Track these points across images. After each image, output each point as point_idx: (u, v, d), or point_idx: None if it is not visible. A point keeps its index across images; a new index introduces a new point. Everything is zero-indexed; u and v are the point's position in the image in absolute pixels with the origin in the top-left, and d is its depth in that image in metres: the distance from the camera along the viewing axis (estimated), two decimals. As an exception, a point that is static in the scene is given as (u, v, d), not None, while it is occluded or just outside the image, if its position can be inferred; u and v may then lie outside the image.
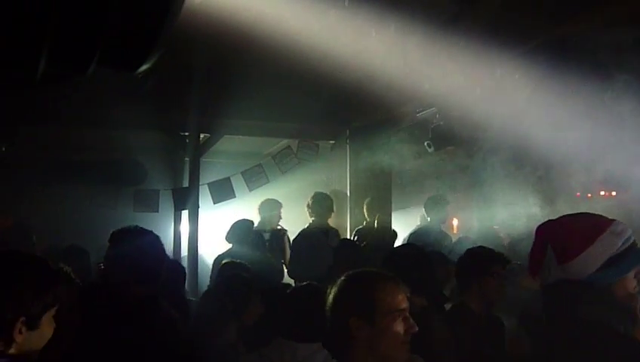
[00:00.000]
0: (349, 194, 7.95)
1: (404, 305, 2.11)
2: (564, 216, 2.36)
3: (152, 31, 1.94)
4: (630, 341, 2.07)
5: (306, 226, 6.77)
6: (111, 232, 3.14)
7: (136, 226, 3.17)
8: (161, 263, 3.07)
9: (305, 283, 3.34)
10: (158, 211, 7.24)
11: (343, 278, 2.19)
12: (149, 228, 5.90)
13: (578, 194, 9.11)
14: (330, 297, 2.18)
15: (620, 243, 2.17)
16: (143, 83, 6.16)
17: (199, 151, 7.51)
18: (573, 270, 2.17)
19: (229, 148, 8.67)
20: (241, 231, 6.24)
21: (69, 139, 8.13)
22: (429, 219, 6.93)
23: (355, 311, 2.08)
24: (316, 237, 6.30)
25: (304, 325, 2.97)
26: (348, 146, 8.06)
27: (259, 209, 7.20)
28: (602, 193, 9.35)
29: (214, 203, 7.34)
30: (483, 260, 3.49)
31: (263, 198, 7.31)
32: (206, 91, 6.67)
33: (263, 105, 6.95)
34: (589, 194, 9.32)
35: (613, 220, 2.26)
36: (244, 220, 6.45)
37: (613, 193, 9.18)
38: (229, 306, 3.52)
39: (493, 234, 6.73)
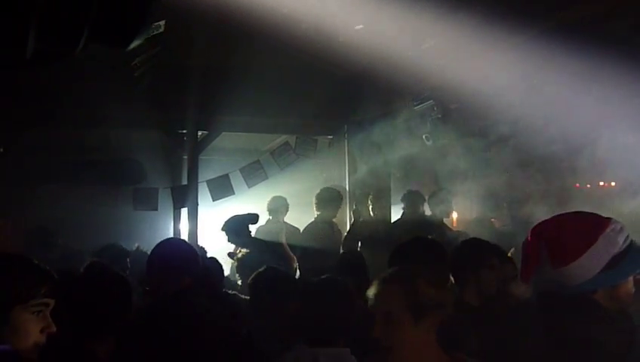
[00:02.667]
0: (347, 189, 7.95)
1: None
2: (559, 215, 2.23)
3: (142, 5, 1.92)
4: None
5: (311, 220, 6.80)
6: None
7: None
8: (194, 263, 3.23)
9: (325, 276, 3.08)
10: (157, 209, 7.24)
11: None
12: (149, 226, 5.93)
13: (577, 185, 9.12)
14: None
15: (621, 242, 2.09)
16: (140, 81, 6.18)
17: (197, 148, 7.50)
18: (573, 273, 2.06)
19: (228, 145, 8.66)
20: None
21: (67, 139, 8.13)
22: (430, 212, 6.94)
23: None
24: (323, 230, 6.36)
25: (327, 326, 2.67)
26: (346, 141, 8.06)
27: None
28: (601, 183, 9.34)
29: (213, 200, 7.34)
30: (478, 252, 3.32)
31: (262, 194, 7.32)
32: (203, 88, 6.67)
33: (261, 102, 6.95)
34: (588, 185, 9.32)
35: (610, 218, 2.16)
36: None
37: (612, 183, 9.16)
38: None
39: (489, 226, 6.73)
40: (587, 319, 2.01)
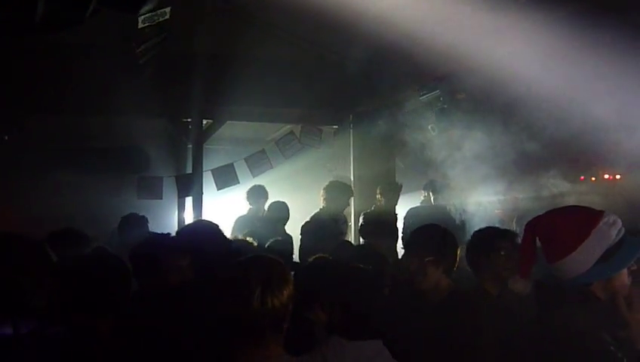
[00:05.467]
0: (352, 179, 7.93)
1: None
2: (552, 210, 2.28)
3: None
4: (608, 352, 2.02)
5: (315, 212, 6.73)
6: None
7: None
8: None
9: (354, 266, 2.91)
10: (161, 198, 7.23)
11: None
12: (153, 215, 5.92)
13: (582, 177, 9.10)
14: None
15: (614, 235, 2.13)
16: (144, 69, 6.15)
17: (202, 137, 7.49)
18: (568, 267, 2.12)
19: (232, 134, 8.65)
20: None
21: (71, 127, 8.12)
22: (432, 200, 6.94)
23: None
24: (325, 223, 6.29)
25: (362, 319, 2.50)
26: (351, 131, 8.04)
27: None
28: (606, 176, 9.31)
29: (218, 189, 7.33)
30: (490, 236, 3.36)
31: (268, 184, 7.32)
32: (208, 77, 6.64)
33: (266, 91, 6.92)
34: (593, 178, 9.30)
35: (603, 211, 2.19)
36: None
37: (618, 176, 9.13)
38: None
39: (495, 218, 6.72)
40: (581, 310, 2.06)
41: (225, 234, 3.58)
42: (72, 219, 6.81)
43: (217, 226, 3.53)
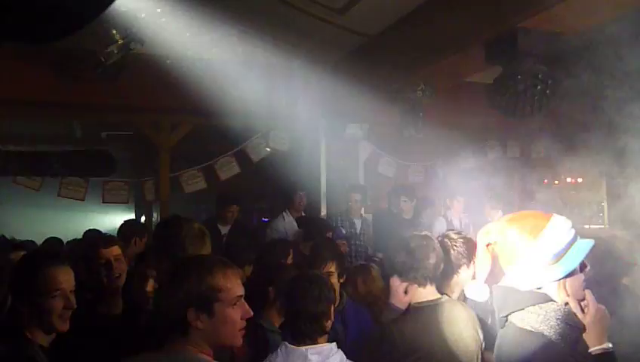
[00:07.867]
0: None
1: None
2: (504, 217, 2.30)
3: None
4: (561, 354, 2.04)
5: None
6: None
7: None
8: None
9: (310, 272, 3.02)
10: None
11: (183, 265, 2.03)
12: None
13: (545, 181, 9.25)
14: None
15: (563, 237, 2.13)
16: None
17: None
18: (518, 274, 2.15)
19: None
20: None
21: None
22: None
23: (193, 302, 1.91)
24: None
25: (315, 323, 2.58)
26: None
27: None
28: (569, 180, 9.43)
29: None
30: None
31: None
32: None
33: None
34: (557, 181, 9.41)
35: (551, 215, 2.19)
36: None
37: (579, 180, 9.27)
38: None
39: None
40: (534, 313, 2.10)
41: None
42: None
43: None
